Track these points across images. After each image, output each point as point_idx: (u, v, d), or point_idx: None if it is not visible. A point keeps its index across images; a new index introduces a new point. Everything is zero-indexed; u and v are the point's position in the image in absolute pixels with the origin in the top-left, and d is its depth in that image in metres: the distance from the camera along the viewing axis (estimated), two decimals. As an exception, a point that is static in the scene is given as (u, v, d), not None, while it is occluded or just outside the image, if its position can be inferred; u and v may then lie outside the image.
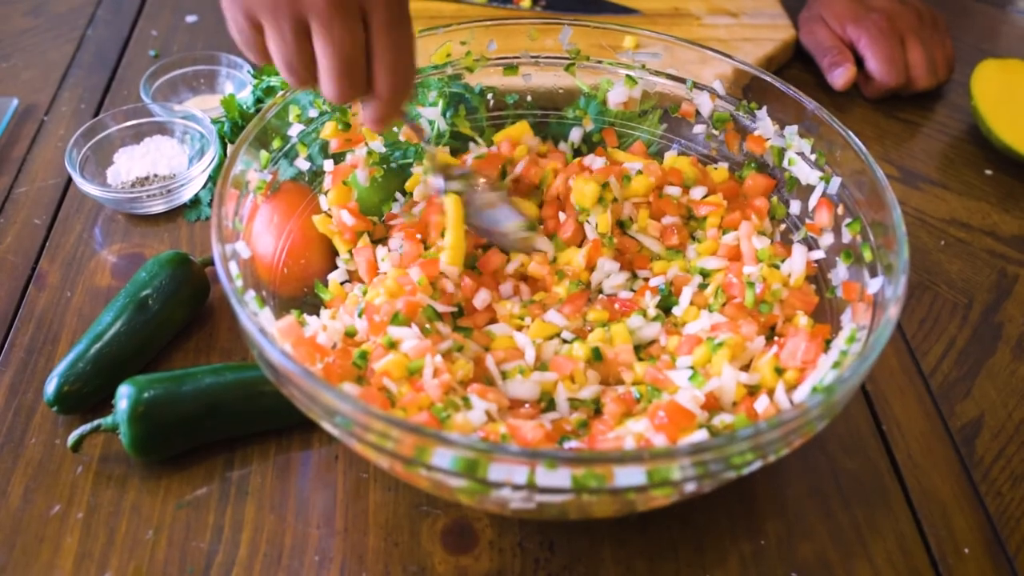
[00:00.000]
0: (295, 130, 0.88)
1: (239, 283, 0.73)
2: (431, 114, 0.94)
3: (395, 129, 0.93)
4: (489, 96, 0.98)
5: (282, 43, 0.70)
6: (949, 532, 0.80)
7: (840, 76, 1.25)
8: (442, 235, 0.87)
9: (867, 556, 0.79)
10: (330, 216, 0.89)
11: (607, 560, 0.78)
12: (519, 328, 0.84)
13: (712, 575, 0.77)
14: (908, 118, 1.26)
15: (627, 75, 0.96)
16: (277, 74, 1.10)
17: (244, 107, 1.08)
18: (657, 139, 0.98)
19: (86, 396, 0.85)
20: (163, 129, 1.11)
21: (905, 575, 0.77)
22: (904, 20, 1.27)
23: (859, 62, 1.27)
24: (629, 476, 0.61)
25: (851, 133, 0.84)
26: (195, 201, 1.07)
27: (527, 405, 0.78)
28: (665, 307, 0.87)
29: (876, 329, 0.71)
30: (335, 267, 0.90)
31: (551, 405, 0.79)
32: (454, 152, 0.96)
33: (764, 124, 0.92)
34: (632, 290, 0.89)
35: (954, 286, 1.02)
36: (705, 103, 0.95)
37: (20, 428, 0.85)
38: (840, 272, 0.83)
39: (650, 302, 0.86)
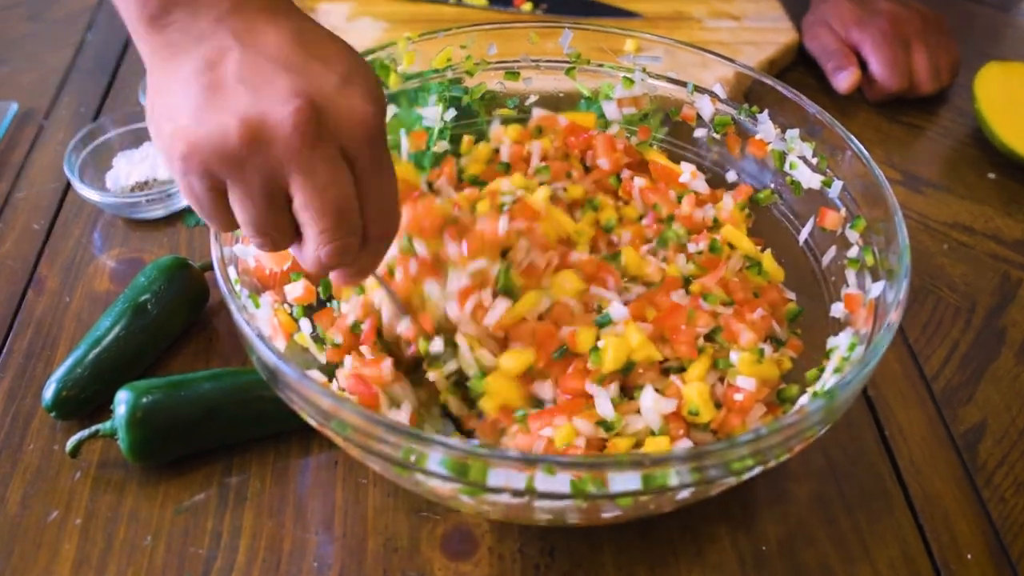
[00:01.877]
0: (294, 134, 0.88)
1: (237, 287, 0.73)
2: (431, 116, 0.94)
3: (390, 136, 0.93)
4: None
5: (251, 204, 0.59)
6: (952, 538, 0.80)
7: (844, 80, 1.25)
8: None
9: (869, 562, 0.78)
10: None
11: (608, 566, 0.77)
12: None
13: (713, 581, 0.77)
14: (911, 122, 1.26)
15: (624, 76, 0.96)
16: None
17: (244, 111, 1.07)
18: (658, 143, 0.98)
19: (84, 401, 0.84)
20: (163, 133, 1.11)
21: (908, 581, 0.77)
22: (909, 24, 1.26)
23: (863, 66, 1.26)
24: (627, 481, 0.61)
25: (853, 137, 0.84)
26: (195, 205, 1.07)
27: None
28: None
29: (877, 334, 0.71)
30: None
31: None
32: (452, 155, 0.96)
33: (766, 128, 0.91)
34: None
35: (957, 290, 1.02)
36: (706, 107, 0.95)
37: (18, 434, 0.84)
38: (849, 280, 0.83)
39: None
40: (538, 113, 0.97)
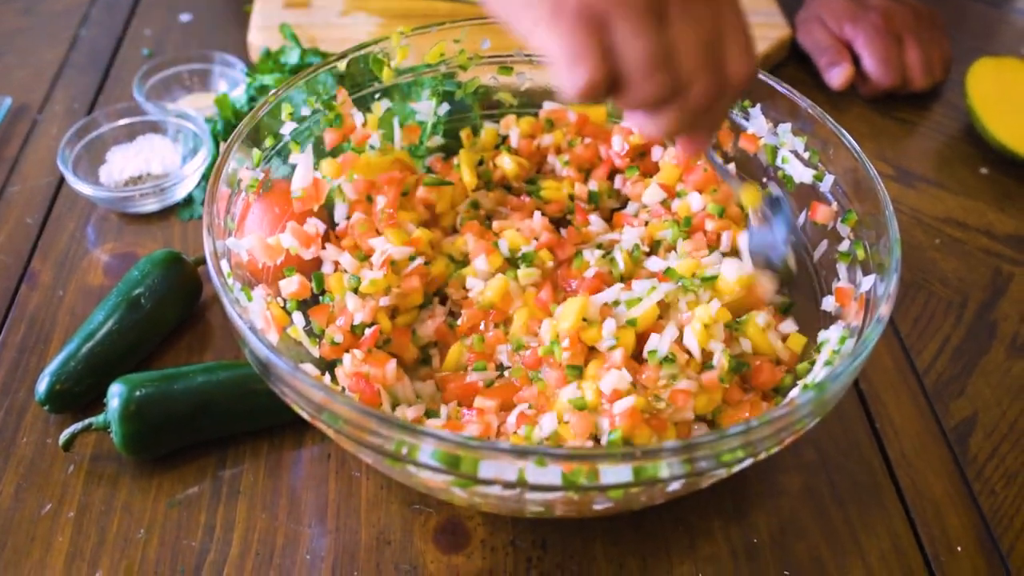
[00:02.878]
0: (287, 128, 0.88)
1: (230, 281, 0.73)
2: (425, 111, 0.94)
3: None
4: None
5: (643, 38, 0.59)
6: (942, 530, 0.80)
7: (837, 76, 1.25)
8: None
9: (860, 554, 0.78)
10: None
11: (599, 558, 0.77)
12: None
13: (705, 573, 0.77)
14: (904, 117, 1.26)
15: None
16: (270, 72, 1.09)
17: (237, 106, 1.08)
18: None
19: (78, 395, 0.84)
20: (156, 128, 1.11)
21: (898, 574, 0.77)
22: (902, 20, 1.27)
23: (856, 61, 1.27)
24: (618, 474, 0.61)
25: (844, 131, 0.84)
26: (188, 200, 1.07)
27: None
28: None
29: (868, 327, 0.71)
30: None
31: None
32: (449, 152, 0.96)
33: (758, 122, 0.91)
34: None
35: (949, 284, 1.02)
36: (699, 101, 0.95)
37: (12, 427, 0.84)
38: (840, 273, 0.83)
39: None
40: (549, 106, 0.98)
